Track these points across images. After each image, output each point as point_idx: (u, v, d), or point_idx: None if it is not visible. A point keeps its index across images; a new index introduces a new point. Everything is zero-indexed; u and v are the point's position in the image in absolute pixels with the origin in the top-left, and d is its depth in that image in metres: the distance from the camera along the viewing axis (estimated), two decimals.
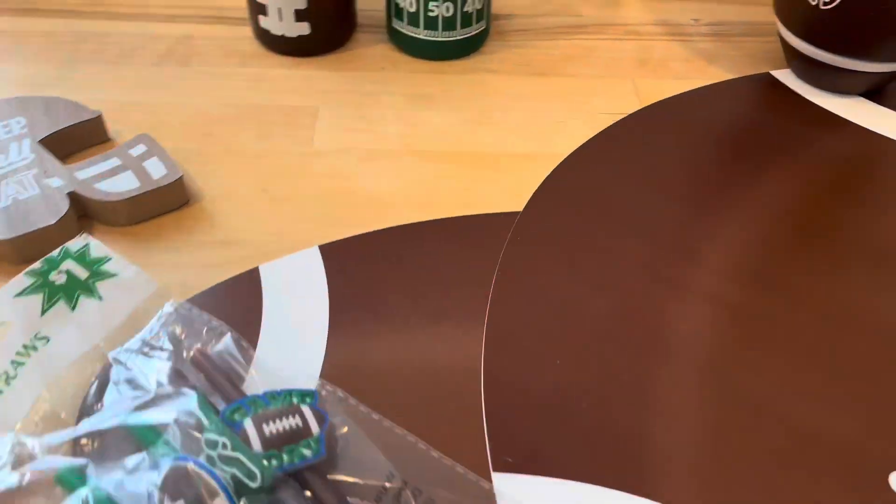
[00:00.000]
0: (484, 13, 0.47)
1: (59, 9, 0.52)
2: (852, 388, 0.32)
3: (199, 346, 0.31)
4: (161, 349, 0.31)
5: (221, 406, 0.29)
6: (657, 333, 0.34)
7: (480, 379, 0.32)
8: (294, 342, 0.33)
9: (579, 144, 0.43)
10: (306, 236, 0.38)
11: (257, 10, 0.47)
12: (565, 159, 0.42)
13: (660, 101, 0.46)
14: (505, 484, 0.29)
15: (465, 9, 0.46)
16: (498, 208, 0.39)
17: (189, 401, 0.28)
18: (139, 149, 0.39)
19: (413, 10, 0.46)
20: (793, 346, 0.34)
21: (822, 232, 0.39)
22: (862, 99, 0.47)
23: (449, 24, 0.46)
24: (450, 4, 0.45)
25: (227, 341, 0.32)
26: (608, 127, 0.44)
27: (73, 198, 0.37)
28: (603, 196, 0.40)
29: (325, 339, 0.33)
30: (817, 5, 0.43)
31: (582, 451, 0.30)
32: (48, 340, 0.30)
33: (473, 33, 0.48)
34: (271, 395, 0.29)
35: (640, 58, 0.49)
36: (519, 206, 0.40)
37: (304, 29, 0.47)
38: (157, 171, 0.38)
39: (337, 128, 0.44)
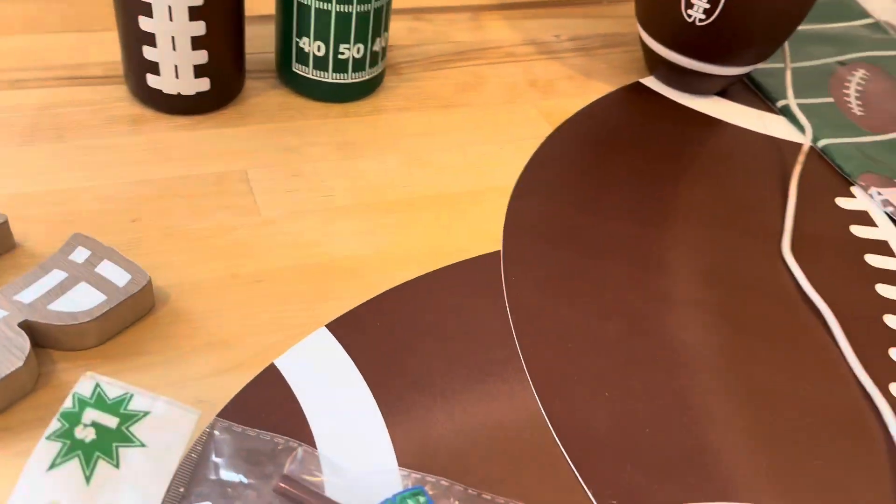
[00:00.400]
0: (386, 50, 0.46)
1: None
2: (817, 359, 0.38)
3: (281, 472, 0.28)
4: (242, 485, 0.27)
5: None
6: (669, 347, 0.37)
7: (545, 425, 0.32)
8: (352, 433, 0.31)
9: (516, 173, 0.44)
10: (302, 318, 0.35)
11: (145, 68, 0.41)
12: (514, 191, 0.43)
13: (566, 122, 0.49)
14: None
15: (374, 48, 0.45)
16: (474, 250, 0.39)
17: None
18: (81, 253, 0.33)
19: (321, 54, 0.44)
20: (770, 331, 0.38)
21: (744, 221, 0.44)
22: (716, 97, 0.54)
23: (358, 65, 0.45)
24: (361, 46, 0.44)
25: (299, 456, 0.29)
26: (535, 152, 0.46)
27: (26, 328, 0.30)
28: (562, 223, 0.42)
29: (382, 422, 0.31)
30: (693, 22, 0.48)
31: (669, 475, 0.32)
32: None
33: (379, 72, 0.46)
34: None
35: (529, 80, 0.51)
36: (492, 244, 0.40)
37: (203, 85, 0.42)
38: (118, 277, 0.33)
39: (277, 190, 0.40)
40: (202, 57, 0.41)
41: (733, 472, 0.32)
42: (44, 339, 0.31)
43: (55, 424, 0.26)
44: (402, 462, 0.30)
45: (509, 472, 0.31)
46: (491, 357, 0.35)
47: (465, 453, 0.31)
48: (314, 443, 0.30)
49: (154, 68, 0.41)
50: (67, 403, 0.27)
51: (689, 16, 0.47)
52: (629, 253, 0.41)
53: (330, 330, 0.35)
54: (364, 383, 0.33)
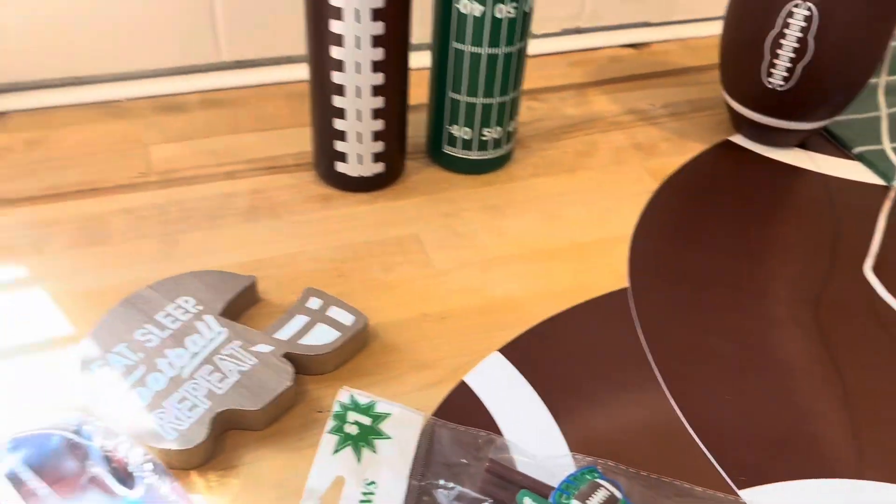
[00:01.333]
0: (517, 129, 0.57)
1: (107, 186, 0.54)
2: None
3: (488, 456, 0.37)
4: (462, 465, 0.37)
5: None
6: (773, 358, 0.45)
7: (679, 422, 0.41)
8: (531, 428, 0.40)
9: (633, 222, 0.54)
10: (480, 345, 0.45)
11: (334, 157, 0.53)
12: (633, 237, 0.52)
13: (669, 177, 0.58)
14: (750, 496, 0.38)
15: (509, 129, 0.55)
16: (605, 287, 0.49)
17: (522, 499, 0.35)
18: (314, 302, 0.44)
19: (468, 137, 0.54)
20: (857, 341, 0.46)
21: (824, 252, 0.52)
22: (797, 148, 0.62)
23: (497, 143, 0.55)
24: (499, 128, 0.54)
25: (499, 445, 0.38)
26: (647, 204, 0.55)
27: (287, 358, 0.41)
28: (675, 261, 0.51)
29: (552, 420, 0.41)
30: (773, 89, 0.57)
31: (783, 457, 0.40)
32: (376, 484, 0.35)
33: (512, 147, 0.57)
34: (573, 477, 0.36)
35: (633, 144, 0.61)
36: (619, 282, 0.49)
37: (379, 168, 0.53)
38: (345, 318, 0.43)
39: (444, 248, 0.51)
40: (380, 147, 0.52)
41: (837, 455, 0.40)
42: (296, 367, 0.42)
43: (331, 423, 0.36)
44: (573, 449, 0.39)
45: (654, 458, 0.39)
46: (628, 370, 0.44)
47: (618, 442, 0.40)
48: (504, 436, 0.40)
49: (342, 157, 0.52)
50: (336, 408, 0.37)
51: (770, 83, 0.56)
52: (734, 282, 0.49)
53: (502, 353, 0.44)
54: (534, 392, 0.42)
